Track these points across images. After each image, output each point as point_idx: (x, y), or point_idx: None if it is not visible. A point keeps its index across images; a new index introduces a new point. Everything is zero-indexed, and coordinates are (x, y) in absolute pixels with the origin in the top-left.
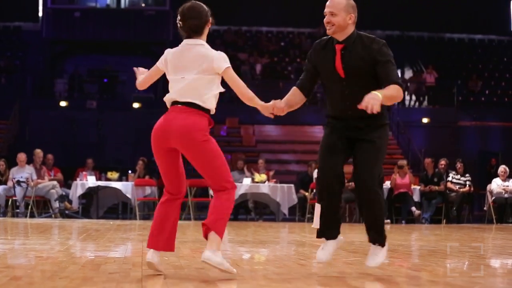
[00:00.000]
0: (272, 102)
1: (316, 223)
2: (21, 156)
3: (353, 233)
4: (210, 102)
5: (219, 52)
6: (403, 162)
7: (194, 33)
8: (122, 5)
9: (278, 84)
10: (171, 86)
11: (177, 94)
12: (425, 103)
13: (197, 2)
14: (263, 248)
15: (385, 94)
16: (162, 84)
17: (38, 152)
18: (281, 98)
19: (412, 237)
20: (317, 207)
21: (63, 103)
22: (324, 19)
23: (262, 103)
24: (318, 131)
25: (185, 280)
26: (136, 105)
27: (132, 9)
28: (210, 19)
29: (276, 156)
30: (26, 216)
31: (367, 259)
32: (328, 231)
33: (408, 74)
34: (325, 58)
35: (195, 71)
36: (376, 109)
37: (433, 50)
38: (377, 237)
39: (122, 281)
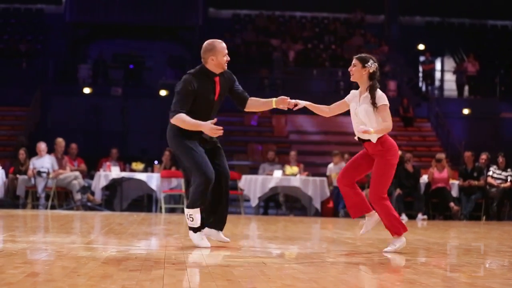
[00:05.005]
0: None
1: None
2: (41, 145)
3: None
4: None
5: None
6: (442, 155)
7: None
8: None
9: (311, 71)
10: None
11: None
12: (466, 93)
13: None
14: (293, 245)
15: None
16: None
17: (60, 141)
18: (316, 86)
19: (449, 235)
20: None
21: (86, 90)
22: None
23: None
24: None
25: (208, 278)
26: (163, 92)
27: None
28: None
29: (308, 147)
30: (46, 208)
31: None
32: None
33: (449, 63)
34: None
35: None
36: None
37: (475, 38)
38: None
39: (143, 279)
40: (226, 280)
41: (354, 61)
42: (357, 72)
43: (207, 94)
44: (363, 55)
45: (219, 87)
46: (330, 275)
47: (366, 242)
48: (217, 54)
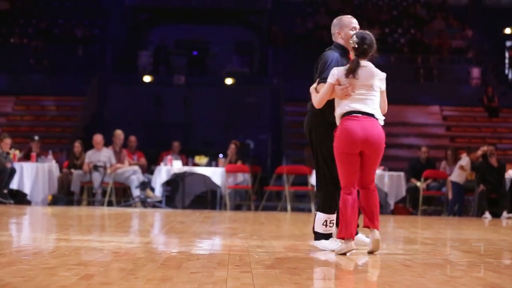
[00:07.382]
0: None
1: None
2: (97, 138)
3: (470, 229)
4: None
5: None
6: None
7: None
8: None
9: (389, 58)
10: None
11: None
12: None
13: None
14: (365, 245)
15: None
16: (258, 59)
17: (119, 133)
18: (393, 74)
19: None
20: None
21: (147, 78)
22: None
23: None
24: (434, 111)
25: (275, 281)
26: (229, 81)
27: None
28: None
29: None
30: (103, 205)
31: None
32: None
33: None
34: None
35: None
36: None
37: None
38: None
39: (206, 282)
40: (294, 283)
41: None
42: None
43: None
44: None
45: None
46: (405, 278)
47: (445, 243)
48: (343, 28)
